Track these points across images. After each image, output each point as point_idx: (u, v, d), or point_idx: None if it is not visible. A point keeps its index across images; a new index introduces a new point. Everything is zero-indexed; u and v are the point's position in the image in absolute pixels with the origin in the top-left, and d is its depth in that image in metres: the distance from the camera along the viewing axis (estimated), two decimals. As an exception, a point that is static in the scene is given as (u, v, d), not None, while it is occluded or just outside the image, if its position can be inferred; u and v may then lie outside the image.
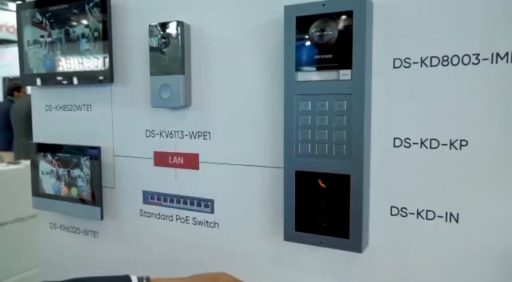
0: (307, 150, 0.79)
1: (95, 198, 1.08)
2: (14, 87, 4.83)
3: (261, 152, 0.89)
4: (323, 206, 0.79)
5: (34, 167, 1.18)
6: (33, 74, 1.15)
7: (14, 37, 10.97)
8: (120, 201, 1.09)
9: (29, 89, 1.76)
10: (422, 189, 0.75)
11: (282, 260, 0.89)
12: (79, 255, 1.18)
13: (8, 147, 4.86)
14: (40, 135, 1.22)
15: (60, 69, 1.11)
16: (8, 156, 4.75)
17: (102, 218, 1.08)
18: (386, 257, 0.79)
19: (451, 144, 0.73)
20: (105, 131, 1.09)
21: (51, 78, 1.13)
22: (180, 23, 0.93)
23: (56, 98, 1.17)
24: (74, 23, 1.07)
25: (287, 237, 0.82)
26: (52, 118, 1.18)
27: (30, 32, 1.15)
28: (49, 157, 1.15)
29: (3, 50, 12.16)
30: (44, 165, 1.17)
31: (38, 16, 1.13)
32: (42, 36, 1.13)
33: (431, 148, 0.74)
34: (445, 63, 0.72)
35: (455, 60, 0.72)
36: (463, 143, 0.72)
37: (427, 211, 0.75)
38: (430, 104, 0.74)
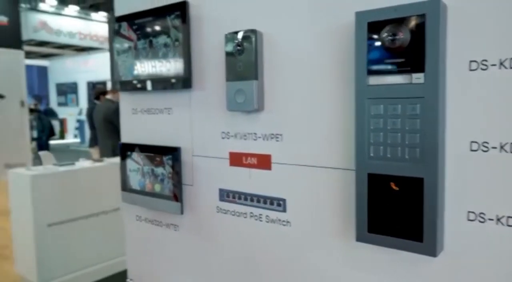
0: (379, 152, 0.81)
1: (176, 194, 1.17)
2: (100, 92, 5.28)
3: (331, 153, 0.91)
4: (396, 208, 0.79)
5: (123, 164, 1.31)
6: (122, 81, 1.28)
7: (97, 44, 11.95)
8: (198, 197, 1.17)
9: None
10: (502, 194, 0.73)
11: (354, 260, 0.91)
12: (161, 245, 1.29)
13: (96, 144, 5.33)
14: (127, 136, 1.34)
15: (145, 76, 1.22)
16: (96, 151, 5.21)
17: (182, 212, 1.18)
18: (462, 262, 0.78)
19: (534, 148, 0.70)
20: (184, 133, 1.18)
21: (137, 84, 1.24)
22: (253, 32, 0.98)
23: (141, 103, 1.29)
24: (157, 34, 1.18)
25: (359, 238, 0.84)
26: (138, 121, 1.30)
27: (119, 43, 1.28)
28: (135, 156, 1.27)
29: (87, 56, 13.27)
30: (131, 163, 1.29)
31: (126, 28, 1.25)
32: (129, 46, 1.25)
33: (511, 152, 0.72)
34: (527, 64, 0.70)
35: (539, 61, 0.69)
36: (548, 147, 0.69)
37: (507, 217, 0.73)
38: (510, 107, 0.71)
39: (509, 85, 0.71)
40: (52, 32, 11.12)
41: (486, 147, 0.74)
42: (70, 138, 12.65)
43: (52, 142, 8.51)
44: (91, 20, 11.66)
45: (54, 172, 3.31)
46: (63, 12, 11.22)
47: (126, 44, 1.26)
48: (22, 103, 6.95)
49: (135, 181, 1.28)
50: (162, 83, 1.18)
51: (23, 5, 9.37)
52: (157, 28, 1.18)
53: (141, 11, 1.21)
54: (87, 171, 3.46)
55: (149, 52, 1.21)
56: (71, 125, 13.43)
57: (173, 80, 1.16)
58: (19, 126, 6.95)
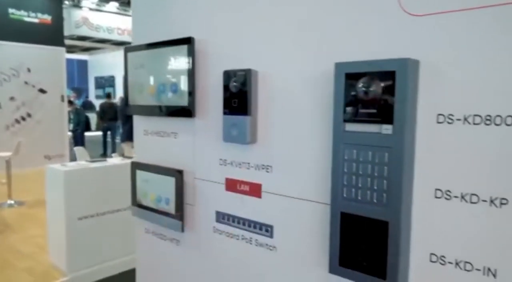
0: (351, 194, 0.87)
1: (178, 213, 1.28)
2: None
3: (313, 188, 0.99)
4: (364, 246, 0.86)
5: (133, 181, 1.43)
6: (135, 105, 1.39)
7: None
8: (198, 217, 1.27)
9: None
10: (461, 239, 0.78)
11: (329, 288, 0.98)
12: (165, 256, 1.40)
13: (128, 139, 5.57)
14: (140, 155, 1.46)
15: (156, 102, 1.32)
16: (127, 146, 5.44)
17: (183, 230, 1.28)
18: (423, 300, 0.83)
19: (491, 201, 0.75)
20: (188, 156, 1.28)
21: (148, 110, 1.35)
22: (249, 71, 1.06)
23: (152, 125, 1.40)
24: (168, 66, 1.28)
25: (331, 270, 0.91)
26: (148, 142, 1.42)
27: (132, 70, 1.39)
28: (144, 174, 1.39)
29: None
30: (140, 180, 1.41)
31: (140, 59, 1.36)
32: (142, 74, 1.36)
33: (471, 202, 0.77)
34: (487, 122, 0.74)
35: (497, 120, 0.73)
36: (504, 201, 0.74)
37: (465, 262, 0.78)
38: (471, 160, 0.76)
39: (471, 140, 0.76)
40: (92, 28, 11.57)
41: (449, 195, 0.79)
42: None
43: (88, 134, 8.94)
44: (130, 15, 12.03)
45: (86, 168, 3.51)
46: (103, 9, 11.64)
47: (140, 71, 1.37)
48: (62, 98, 7.33)
49: (142, 196, 1.40)
50: (169, 110, 1.28)
51: (66, 2, 9.79)
52: (165, 58, 1.28)
53: (151, 43, 1.31)
54: (117, 167, 3.64)
55: (159, 80, 1.31)
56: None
57: (178, 109, 1.25)
58: (59, 120, 7.35)
